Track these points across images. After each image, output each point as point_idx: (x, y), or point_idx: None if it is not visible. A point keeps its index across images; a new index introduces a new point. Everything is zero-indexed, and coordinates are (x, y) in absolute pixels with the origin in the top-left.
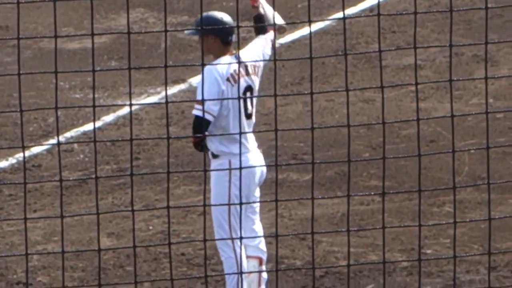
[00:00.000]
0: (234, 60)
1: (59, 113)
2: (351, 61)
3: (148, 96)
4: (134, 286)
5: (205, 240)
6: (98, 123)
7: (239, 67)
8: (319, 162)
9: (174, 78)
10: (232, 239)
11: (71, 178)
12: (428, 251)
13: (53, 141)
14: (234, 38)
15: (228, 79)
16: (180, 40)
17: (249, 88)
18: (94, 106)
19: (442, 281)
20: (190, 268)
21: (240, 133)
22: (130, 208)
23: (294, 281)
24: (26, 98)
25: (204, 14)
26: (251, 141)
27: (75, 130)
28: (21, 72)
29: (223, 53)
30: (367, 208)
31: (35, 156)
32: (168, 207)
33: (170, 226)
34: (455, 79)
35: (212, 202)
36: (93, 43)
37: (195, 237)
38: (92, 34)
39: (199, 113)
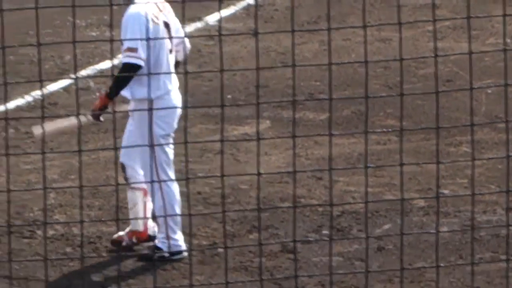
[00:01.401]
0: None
1: (77, 50)
2: (368, 0)
3: None
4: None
5: (222, 176)
6: (115, 61)
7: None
8: (336, 98)
9: (190, 16)
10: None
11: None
12: (445, 191)
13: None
14: None
15: (151, 19)
16: None
17: (166, 24)
18: (111, 41)
19: (459, 221)
20: (207, 207)
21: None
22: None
23: (311, 221)
24: (42, 36)
25: None
26: (173, 80)
27: (92, 68)
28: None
29: None
30: (384, 148)
31: (51, 94)
32: (185, 142)
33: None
34: (473, 16)
35: (133, 139)
36: None
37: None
38: None
39: (131, 60)
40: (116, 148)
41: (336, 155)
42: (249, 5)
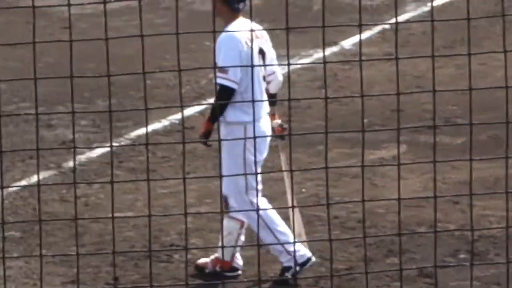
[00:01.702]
0: (245, 26)
1: (211, 74)
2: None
3: (300, 58)
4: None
5: (363, 201)
6: None
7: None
8: (477, 124)
9: (326, 41)
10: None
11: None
12: None
13: (206, 103)
14: (242, 6)
15: (246, 42)
16: (332, 2)
17: (261, 51)
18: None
19: None
20: (344, 231)
21: (254, 101)
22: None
23: (448, 245)
24: (175, 60)
25: None
26: (265, 107)
27: None
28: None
29: (232, 19)
30: None
31: (188, 118)
32: (326, 167)
33: (323, 189)
34: None
35: (228, 167)
36: (251, 5)
37: (348, 200)
38: None
39: (224, 82)
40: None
41: (473, 179)
42: (384, 29)
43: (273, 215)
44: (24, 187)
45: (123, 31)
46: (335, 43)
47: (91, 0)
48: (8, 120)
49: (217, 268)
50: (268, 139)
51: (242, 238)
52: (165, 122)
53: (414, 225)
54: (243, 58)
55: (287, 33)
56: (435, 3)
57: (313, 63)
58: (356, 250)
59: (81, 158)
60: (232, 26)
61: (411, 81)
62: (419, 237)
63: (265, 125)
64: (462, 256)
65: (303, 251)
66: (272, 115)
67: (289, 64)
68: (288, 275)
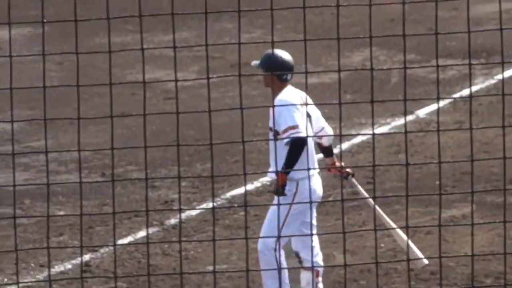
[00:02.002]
0: (294, 92)
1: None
2: None
3: (379, 126)
4: None
5: (440, 257)
6: (334, 150)
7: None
8: None
9: (403, 110)
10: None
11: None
12: None
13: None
14: (289, 77)
15: (299, 105)
16: (408, 76)
17: (308, 115)
18: (341, 136)
19: None
20: (418, 282)
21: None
22: (363, 228)
23: None
24: (266, 128)
25: (269, 51)
26: (316, 165)
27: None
28: (264, 104)
29: (282, 88)
30: None
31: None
32: (407, 227)
33: (397, 244)
34: None
35: (273, 213)
36: (339, 77)
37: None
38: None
39: (300, 135)
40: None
41: None
42: (455, 100)
43: (286, 272)
44: (130, 243)
45: (220, 102)
46: (411, 113)
47: (197, 76)
48: (116, 182)
49: None
50: (318, 197)
51: (321, 286)
52: (257, 184)
53: (482, 276)
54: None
55: (372, 106)
56: (500, 76)
57: (394, 132)
58: None
59: (182, 216)
60: (283, 93)
61: (479, 147)
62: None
63: (317, 182)
64: None
65: None
66: (332, 163)
67: (374, 134)
68: None
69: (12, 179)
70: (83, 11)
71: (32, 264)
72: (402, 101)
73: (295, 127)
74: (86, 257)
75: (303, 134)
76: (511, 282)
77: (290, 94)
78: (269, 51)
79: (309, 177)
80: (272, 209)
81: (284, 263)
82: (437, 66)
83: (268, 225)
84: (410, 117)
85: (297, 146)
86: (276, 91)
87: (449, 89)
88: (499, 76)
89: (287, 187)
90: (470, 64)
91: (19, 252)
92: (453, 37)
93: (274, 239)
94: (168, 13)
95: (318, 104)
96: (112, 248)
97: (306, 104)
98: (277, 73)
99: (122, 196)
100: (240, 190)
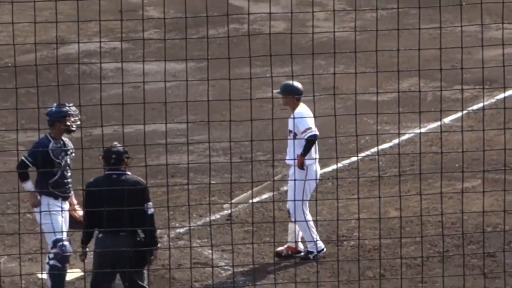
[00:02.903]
0: (306, 107)
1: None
2: None
3: (419, 128)
4: None
5: (462, 212)
6: (393, 143)
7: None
8: None
9: (436, 118)
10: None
11: None
12: None
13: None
14: (301, 98)
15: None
16: (438, 96)
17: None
18: (399, 134)
19: None
20: (445, 229)
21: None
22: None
23: None
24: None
25: (287, 82)
26: (317, 155)
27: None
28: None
29: (297, 105)
30: None
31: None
32: (441, 193)
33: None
34: None
35: (292, 191)
36: (398, 96)
37: None
38: None
39: (315, 133)
40: None
41: None
42: (468, 112)
43: (312, 223)
44: (257, 202)
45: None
46: (440, 120)
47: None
48: (249, 162)
49: (289, 252)
50: (318, 176)
51: (301, 234)
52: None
53: (485, 226)
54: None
55: (419, 118)
56: (499, 97)
57: (430, 132)
58: None
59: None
60: (300, 108)
61: (484, 142)
62: None
63: (317, 168)
64: None
65: (320, 243)
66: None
67: (420, 133)
68: (311, 256)
69: (183, 160)
70: (223, 49)
71: (194, 214)
72: (436, 112)
73: (310, 129)
74: (228, 211)
75: (316, 132)
76: (507, 230)
77: (304, 108)
78: (286, 82)
79: (316, 163)
80: (290, 183)
81: (309, 217)
82: (462, 89)
83: (291, 193)
84: (439, 123)
85: (312, 141)
86: (293, 107)
87: (465, 105)
88: (498, 97)
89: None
90: (483, 88)
91: (189, 207)
92: (468, 71)
93: (301, 202)
94: (287, 53)
95: (381, 114)
96: (245, 205)
97: (314, 116)
98: (296, 96)
99: (251, 172)
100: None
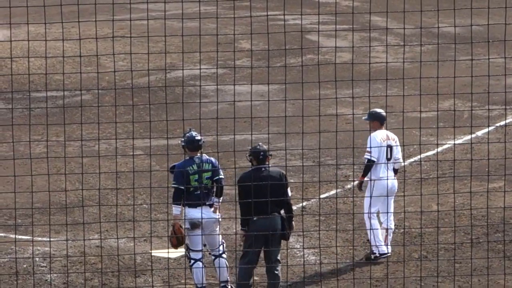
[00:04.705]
0: (383, 132)
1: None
2: None
3: (457, 140)
4: None
5: (487, 207)
6: (436, 150)
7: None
8: None
9: (470, 131)
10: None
11: None
12: None
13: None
14: (384, 122)
15: (382, 139)
16: (472, 113)
17: (389, 147)
18: (438, 144)
19: None
20: (476, 220)
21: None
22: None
23: None
24: None
25: (375, 109)
26: (390, 172)
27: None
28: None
29: (378, 129)
30: None
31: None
32: (470, 192)
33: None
34: None
35: (365, 204)
36: (437, 115)
37: None
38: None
39: (369, 157)
40: None
41: None
42: (496, 127)
43: (379, 229)
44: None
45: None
46: (474, 133)
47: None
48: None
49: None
50: (391, 189)
51: (382, 240)
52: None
53: (508, 218)
54: (378, 147)
55: (454, 132)
56: None
57: (467, 143)
58: None
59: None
60: (375, 132)
61: (507, 152)
62: None
63: (387, 181)
64: None
65: (384, 248)
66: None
67: (454, 144)
68: (372, 256)
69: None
70: (303, 74)
71: None
72: (469, 126)
73: (369, 153)
74: (303, 203)
75: (372, 157)
76: None
77: (379, 133)
78: (373, 109)
79: (379, 180)
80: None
81: (375, 225)
82: (488, 109)
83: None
84: (473, 135)
85: (367, 164)
86: (374, 129)
87: (493, 121)
88: None
89: (363, 184)
90: (505, 109)
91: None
92: (496, 94)
93: (367, 211)
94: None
95: (425, 128)
96: (316, 199)
97: (388, 142)
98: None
99: (315, 172)
100: None
